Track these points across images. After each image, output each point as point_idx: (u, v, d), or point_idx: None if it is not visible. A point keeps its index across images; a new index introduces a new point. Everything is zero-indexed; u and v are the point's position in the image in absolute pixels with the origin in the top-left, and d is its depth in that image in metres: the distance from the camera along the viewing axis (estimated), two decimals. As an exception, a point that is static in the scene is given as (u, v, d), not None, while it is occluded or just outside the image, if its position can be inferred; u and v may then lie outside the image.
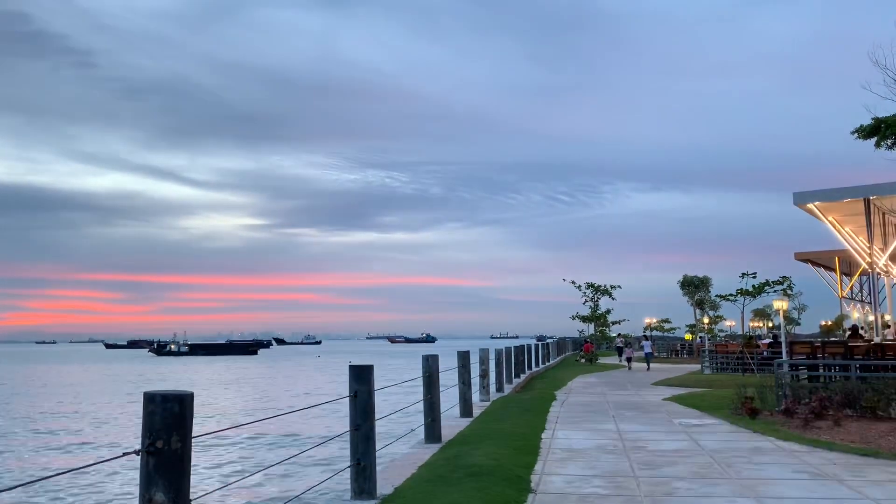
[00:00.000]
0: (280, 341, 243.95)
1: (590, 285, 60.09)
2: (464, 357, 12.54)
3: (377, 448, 6.49)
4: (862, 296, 30.85)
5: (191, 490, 3.38)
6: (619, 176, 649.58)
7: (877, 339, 18.42)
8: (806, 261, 28.81)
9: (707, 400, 15.58)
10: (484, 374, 16.30)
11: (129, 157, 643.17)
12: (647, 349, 33.79)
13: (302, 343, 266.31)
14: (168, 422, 3.27)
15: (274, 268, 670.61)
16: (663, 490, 6.89)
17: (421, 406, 9.90)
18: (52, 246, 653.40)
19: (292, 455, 10.53)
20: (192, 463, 3.45)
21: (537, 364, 31.51)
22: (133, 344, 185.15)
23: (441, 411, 10.12)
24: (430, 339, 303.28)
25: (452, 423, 11.65)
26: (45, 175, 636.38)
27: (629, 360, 32.76)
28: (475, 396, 14.07)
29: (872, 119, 18.17)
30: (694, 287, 58.78)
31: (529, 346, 29.21)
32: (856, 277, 27.82)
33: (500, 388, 18.51)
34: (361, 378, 6.43)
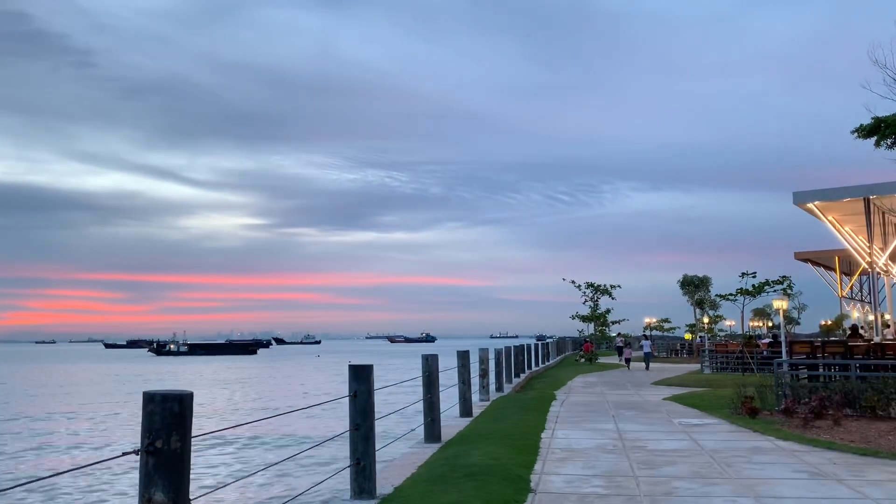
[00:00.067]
0: (280, 341, 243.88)
1: (589, 285, 60.08)
2: (463, 357, 12.54)
3: (377, 448, 6.49)
4: (862, 295, 30.84)
5: (190, 490, 3.38)
6: (618, 175, 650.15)
7: (877, 339, 18.42)
8: (806, 260, 28.82)
9: (707, 399, 15.58)
10: (483, 374, 16.30)
11: (128, 157, 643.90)
12: (647, 349, 33.77)
13: (301, 343, 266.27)
14: (168, 421, 3.26)
15: (274, 267, 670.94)
16: (663, 490, 6.89)
17: (420, 406, 9.90)
18: (52, 246, 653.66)
19: (292, 455, 10.52)
20: (192, 463, 3.44)
21: (537, 364, 31.51)
22: (132, 344, 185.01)
23: (441, 411, 10.12)
24: (429, 339, 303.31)
25: (452, 422, 11.65)
26: (44, 175, 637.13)
27: (628, 360, 32.75)
28: (475, 396, 14.07)
29: (872, 118, 18.19)
30: (694, 287, 58.82)
31: (529, 346, 29.21)
32: (856, 277, 27.82)
33: (499, 388, 18.50)
34: (361, 378, 6.42)
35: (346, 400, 6.50)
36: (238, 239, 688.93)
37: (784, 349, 20.59)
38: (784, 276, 41.78)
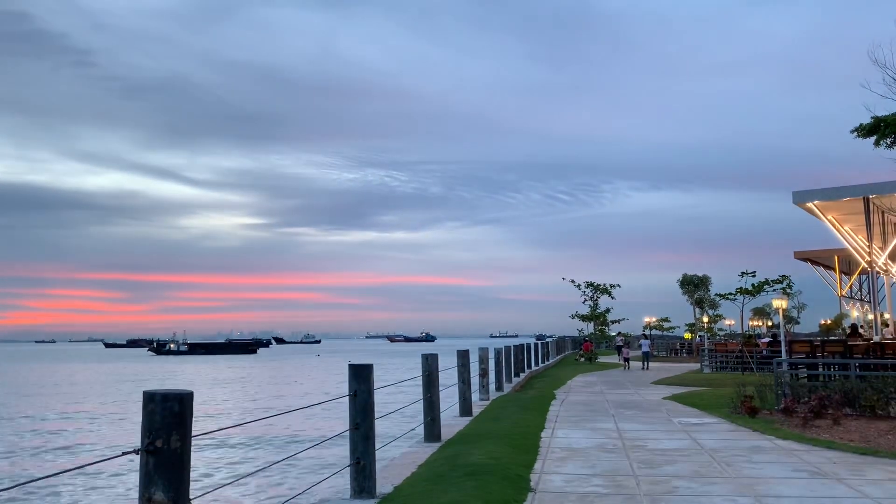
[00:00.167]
0: (279, 340, 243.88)
1: (589, 284, 60.08)
2: (463, 356, 12.54)
3: (377, 447, 6.49)
4: (861, 294, 30.86)
5: (190, 489, 3.38)
6: (618, 175, 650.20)
7: (876, 338, 18.43)
8: (805, 259, 28.84)
9: (706, 399, 15.58)
10: (483, 374, 16.31)
11: (128, 157, 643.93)
12: (646, 348, 33.76)
13: (301, 342, 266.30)
14: (168, 421, 3.27)
15: (273, 267, 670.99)
16: (663, 489, 6.89)
17: (420, 405, 9.90)
18: (52, 246, 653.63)
19: (292, 454, 10.53)
20: (192, 462, 3.45)
21: (537, 363, 31.52)
22: (132, 343, 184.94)
23: (440, 410, 10.12)
24: (429, 339, 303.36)
25: (452, 422, 11.66)
26: (44, 174, 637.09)
27: (627, 359, 32.72)
28: (475, 395, 14.08)
29: (872, 118, 18.19)
30: (693, 286, 58.77)
31: (529, 345, 29.21)
32: (855, 276, 27.83)
33: (499, 387, 18.51)
34: (361, 377, 6.43)
35: (346, 399, 6.50)
36: (238, 239, 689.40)
37: (784, 348, 20.60)
38: (784, 276, 41.72)
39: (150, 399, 3.31)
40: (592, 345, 44.50)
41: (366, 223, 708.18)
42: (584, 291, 60.01)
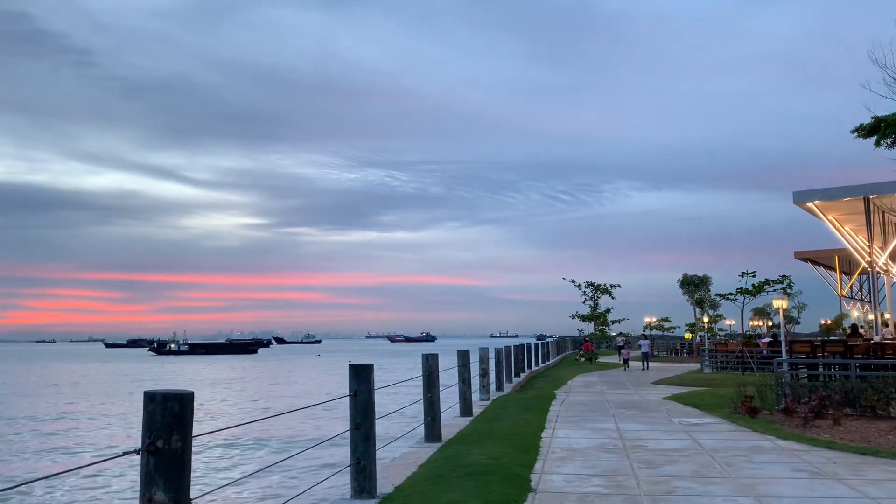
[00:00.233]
0: (280, 340, 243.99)
1: (590, 284, 60.19)
2: (464, 356, 12.54)
3: (377, 447, 6.50)
4: (861, 294, 30.86)
5: (191, 489, 3.38)
6: (618, 175, 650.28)
7: (876, 338, 18.43)
8: (806, 260, 28.84)
9: (707, 399, 15.58)
10: (484, 374, 16.31)
11: (128, 157, 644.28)
12: (645, 348, 33.75)
13: (302, 342, 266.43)
14: (168, 421, 3.27)
15: (273, 267, 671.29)
16: (663, 489, 6.90)
17: (421, 405, 9.91)
18: (52, 245, 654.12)
19: (292, 454, 10.54)
20: (192, 462, 3.45)
21: (537, 363, 31.52)
22: (133, 343, 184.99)
23: (441, 410, 10.12)
24: (429, 339, 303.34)
25: (452, 422, 11.66)
26: (44, 174, 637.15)
27: (626, 360, 32.68)
28: (475, 395, 14.08)
29: (872, 118, 18.19)
30: (694, 286, 58.80)
31: (529, 346, 29.20)
32: (855, 276, 27.82)
33: (499, 388, 18.51)
34: (361, 377, 6.43)
35: (347, 399, 6.50)
36: (238, 238, 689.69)
37: (784, 348, 20.60)
38: (784, 276, 41.70)
39: (151, 399, 3.31)
40: (593, 345, 44.48)
41: (366, 223, 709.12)
42: (585, 291, 60.14)
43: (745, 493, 6.64)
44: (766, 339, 29.97)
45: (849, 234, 20.00)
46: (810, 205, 18.17)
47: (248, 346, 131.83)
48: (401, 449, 9.64)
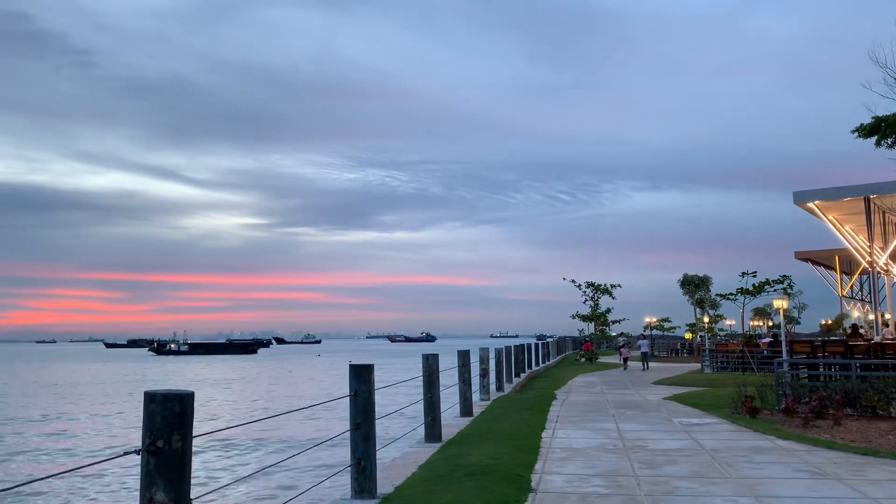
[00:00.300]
0: (280, 340, 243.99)
1: (590, 284, 60.25)
2: (464, 356, 12.54)
3: (377, 447, 6.49)
4: (862, 295, 30.84)
5: (191, 489, 3.38)
6: (619, 175, 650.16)
7: (877, 338, 18.41)
8: (806, 260, 28.81)
9: (707, 399, 15.58)
10: (484, 374, 16.30)
11: (128, 157, 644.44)
12: (644, 348, 33.75)
13: (302, 342, 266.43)
14: (169, 421, 3.27)
15: (274, 267, 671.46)
16: (663, 489, 6.89)
17: (421, 405, 9.90)
18: (53, 246, 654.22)
19: (293, 454, 10.53)
20: (192, 463, 3.44)
21: (537, 363, 31.51)
22: (133, 343, 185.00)
23: (441, 410, 10.12)
24: (430, 339, 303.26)
25: (452, 422, 11.66)
26: (44, 174, 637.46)
27: (626, 360, 32.66)
28: (475, 396, 14.07)
29: (873, 118, 18.20)
30: (694, 286, 58.72)
31: (529, 346, 29.19)
32: (856, 276, 27.81)
33: (500, 388, 18.50)
34: (362, 377, 6.43)
35: (347, 399, 6.50)
36: (238, 239, 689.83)
37: (784, 348, 20.59)
38: (784, 276, 41.72)
39: (151, 399, 3.30)
40: (593, 345, 44.47)
41: (366, 223, 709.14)
42: (585, 292, 60.21)
43: (745, 494, 6.64)
44: (767, 340, 29.97)
45: (849, 235, 19.98)
46: (810, 205, 18.15)
47: (248, 347, 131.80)
48: (401, 449, 9.63)
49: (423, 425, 9.87)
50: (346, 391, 6.54)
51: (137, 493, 3.37)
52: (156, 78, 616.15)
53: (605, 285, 59.96)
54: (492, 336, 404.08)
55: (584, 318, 61.09)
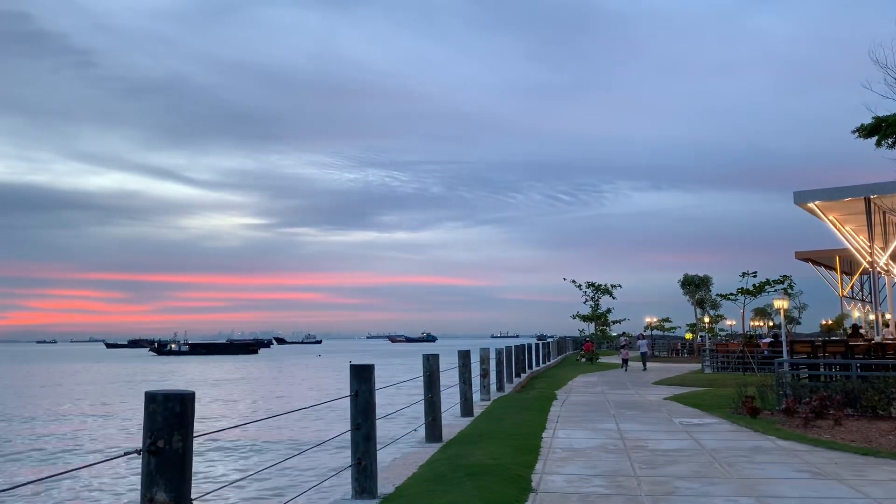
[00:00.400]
0: (280, 341, 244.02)
1: (590, 284, 60.18)
2: (464, 356, 12.53)
3: (378, 447, 6.49)
4: (862, 295, 30.84)
5: (192, 490, 3.38)
6: (619, 175, 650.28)
7: (877, 339, 18.41)
8: (806, 260, 28.81)
9: (707, 399, 15.57)
10: (485, 374, 16.30)
11: (129, 157, 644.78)
12: (644, 348, 33.75)
13: (302, 342, 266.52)
14: (169, 421, 3.27)
15: (274, 267, 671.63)
16: (664, 489, 6.89)
17: (421, 405, 9.90)
18: (53, 246, 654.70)
19: (294, 454, 10.54)
20: (193, 463, 3.45)
21: (538, 363, 31.50)
22: (134, 343, 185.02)
23: (442, 411, 10.12)
24: (430, 339, 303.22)
25: (453, 422, 11.66)
26: (45, 175, 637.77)
27: (625, 360, 32.65)
28: (476, 396, 14.07)
29: (873, 118, 18.18)
30: (694, 286, 58.71)
31: (530, 346, 29.19)
32: (856, 276, 27.80)
33: (500, 388, 18.50)
34: (362, 377, 6.43)
35: (347, 400, 6.50)
36: (238, 239, 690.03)
37: (785, 349, 20.58)
38: (785, 276, 41.75)
39: (152, 399, 3.31)
40: (594, 345, 44.46)
41: (366, 223, 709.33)
42: (585, 292, 60.13)
43: (746, 494, 6.64)
44: (767, 340, 29.96)
45: (849, 235, 19.98)
46: (811, 205, 18.14)
47: (248, 347, 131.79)
48: (402, 449, 9.64)
49: (424, 425, 9.87)
50: (347, 391, 6.54)
51: (138, 494, 3.37)
52: (156, 78, 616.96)
53: (605, 285, 59.89)
54: (492, 336, 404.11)
55: (584, 319, 61.03)
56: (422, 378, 9.72)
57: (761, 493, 6.68)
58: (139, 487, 3.32)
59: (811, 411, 11.07)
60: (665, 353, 50.60)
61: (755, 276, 41.82)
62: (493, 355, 17.77)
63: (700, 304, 58.55)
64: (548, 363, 36.18)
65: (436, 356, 9.77)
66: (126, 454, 3.51)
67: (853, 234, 20.20)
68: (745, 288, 40.30)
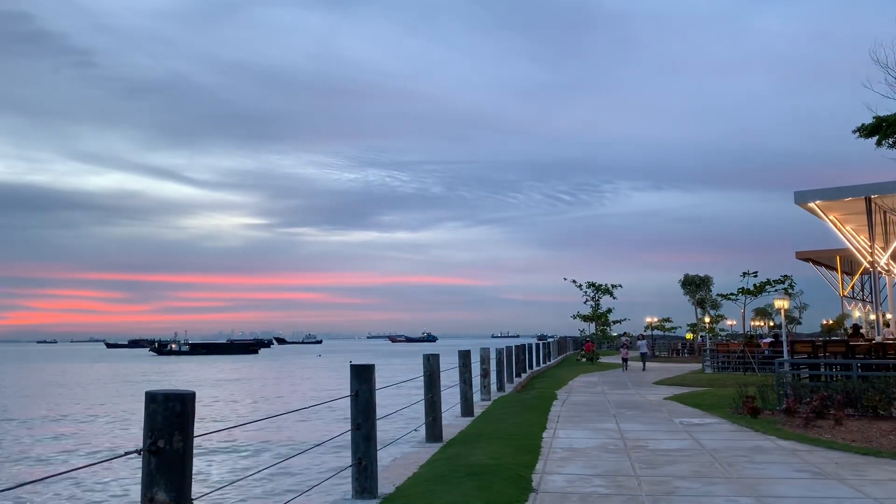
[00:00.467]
0: (281, 340, 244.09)
1: (591, 284, 60.22)
2: (465, 356, 12.54)
3: (378, 447, 6.49)
4: (863, 295, 30.84)
5: (192, 490, 3.38)
6: (619, 175, 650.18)
7: (878, 338, 18.41)
8: (807, 260, 28.83)
9: (708, 399, 15.57)
10: (485, 374, 16.30)
11: (129, 157, 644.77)
12: (643, 349, 33.77)
13: (303, 342, 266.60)
14: (170, 421, 3.27)
15: (274, 267, 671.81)
16: (664, 489, 6.89)
17: (422, 405, 9.90)
18: (53, 245, 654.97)
19: (294, 454, 10.54)
20: (193, 463, 3.45)
21: (538, 363, 31.52)
22: (134, 343, 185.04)
23: (442, 411, 10.12)
24: (430, 339, 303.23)
25: (453, 422, 11.66)
26: (45, 175, 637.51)
27: (625, 360, 32.66)
28: (476, 396, 14.07)
29: (874, 118, 18.15)
30: (695, 286, 58.64)
31: (530, 346, 29.21)
32: (857, 276, 27.81)
33: (500, 388, 18.51)
34: (362, 377, 6.43)
35: (348, 399, 6.50)
36: (239, 239, 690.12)
37: (785, 349, 20.58)
38: (785, 276, 41.61)
39: (152, 399, 3.31)
40: (594, 345, 44.47)
41: (367, 223, 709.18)
42: (586, 292, 60.17)
43: (746, 494, 6.64)
44: (768, 340, 29.95)
45: (850, 235, 19.98)
46: (811, 205, 18.16)
47: (249, 347, 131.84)
48: (402, 449, 9.64)
49: (424, 425, 9.87)
50: (347, 391, 6.54)
51: (139, 494, 3.37)
52: (156, 78, 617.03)
53: (605, 285, 59.93)
54: (493, 336, 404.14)
55: (584, 319, 61.09)
56: (422, 378, 9.72)
57: (762, 493, 6.68)
58: (139, 487, 3.32)
59: (812, 411, 11.07)
60: (665, 352, 50.60)
61: (756, 276, 41.77)
62: (493, 355, 17.78)
63: (700, 304, 58.51)
64: (548, 363, 36.19)
65: (436, 356, 9.77)
66: (126, 454, 3.52)
67: (854, 233, 20.20)
68: (745, 288, 40.22)
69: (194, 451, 3.45)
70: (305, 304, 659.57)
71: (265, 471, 14.17)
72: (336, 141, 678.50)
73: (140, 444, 3.34)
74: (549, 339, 55.26)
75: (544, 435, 10.55)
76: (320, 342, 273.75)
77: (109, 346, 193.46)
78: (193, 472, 3.44)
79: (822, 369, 15.92)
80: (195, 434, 3.42)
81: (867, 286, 30.08)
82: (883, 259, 20.43)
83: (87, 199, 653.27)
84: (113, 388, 46.34)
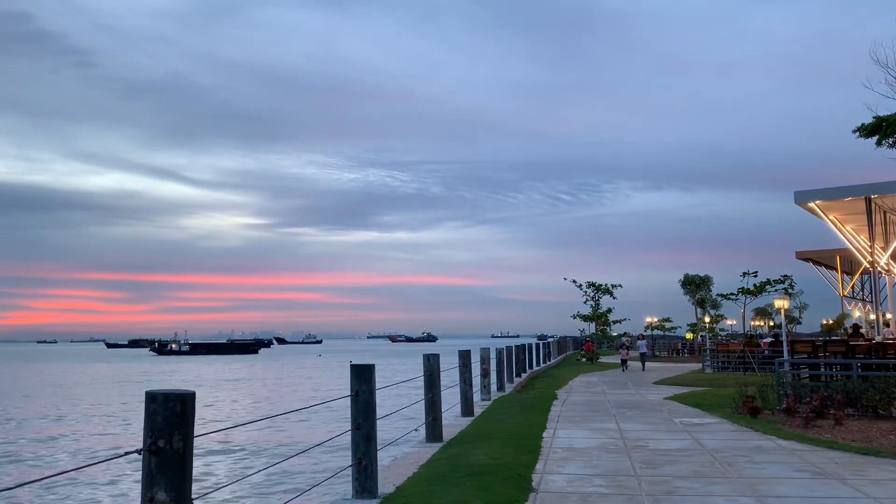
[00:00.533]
0: (281, 340, 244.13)
1: (591, 284, 60.18)
2: (465, 356, 12.54)
3: (378, 447, 6.49)
4: (863, 294, 30.84)
5: (192, 489, 3.38)
6: (619, 175, 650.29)
7: (878, 338, 18.40)
8: (807, 259, 28.83)
9: (708, 399, 15.57)
10: (485, 374, 16.30)
11: (129, 157, 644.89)
12: (643, 349, 33.77)
13: (303, 342, 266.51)
14: (170, 421, 3.27)
15: (274, 267, 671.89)
16: (664, 489, 6.89)
17: (422, 405, 9.90)
18: (53, 245, 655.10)
19: (294, 454, 10.54)
20: (193, 463, 3.45)
21: (538, 363, 31.50)
22: (134, 343, 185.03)
23: (442, 410, 10.12)
24: (431, 339, 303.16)
25: (453, 422, 11.66)
26: (45, 175, 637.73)
27: (624, 360, 32.63)
28: (476, 396, 14.07)
29: (874, 118, 18.14)
30: (695, 286, 58.63)
31: (530, 346, 29.20)
32: (857, 276, 27.81)
33: (500, 388, 18.50)
34: (363, 377, 6.43)
35: (348, 399, 6.50)
36: (239, 239, 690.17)
37: (785, 348, 20.58)
38: (785, 276, 41.59)
39: (153, 399, 3.30)
40: (594, 345, 44.47)
41: (367, 223, 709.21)
42: (586, 292, 60.13)
43: (746, 494, 6.64)
44: (768, 339, 29.94)
45: (850, 234, 19.98)
46: (811, 204, 18.16)
47: (249, 347, 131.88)
48: (402, 449, 9.64)
49: (424, 425, 9.87)
50: (347, 391, 6.54)
51: (139, 494, 3.37)
52: (156, 78, 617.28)
53: (605, 285, 59.90)
54: (493, 336, 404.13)
55: (584, 319, 61.07)
56: (422, 378, 9.72)
57: (762, 492, 6.68)
58: (140, 487, 3.32)
59: (812, 411, 11.06)
60: (666, 352, 50.59)
61: (756, 276, 41.76)
62: (493, 355, 17.77)
63: (700, 303, 58.49)
64: (548, 363, 36.18)
65: (436, 356, 9.77)
66: (126, 454, 3.52)
67: (854, 233, 20.21)
68: (745, 288, 40.21)
69: (194, 451, 3.45)
70: (305, 304, 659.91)
71: (265, 471, 14.18)
72: (336, 141, 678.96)
73: (140, 444, 3.33)
74: (549, 339, 55.25)
75: (544, 435, 10.55)
76: (320, 342, 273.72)
77: (109, 346, 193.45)
78: (193, 472, 3.44)
79: (822, 369, 15.92)
80: (195, 434, 3.42)
81: (867, 286, 30.09)
82: (883, 259, 20.43)
83: (87, 199, 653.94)
84: (113, 388, 46.32)
